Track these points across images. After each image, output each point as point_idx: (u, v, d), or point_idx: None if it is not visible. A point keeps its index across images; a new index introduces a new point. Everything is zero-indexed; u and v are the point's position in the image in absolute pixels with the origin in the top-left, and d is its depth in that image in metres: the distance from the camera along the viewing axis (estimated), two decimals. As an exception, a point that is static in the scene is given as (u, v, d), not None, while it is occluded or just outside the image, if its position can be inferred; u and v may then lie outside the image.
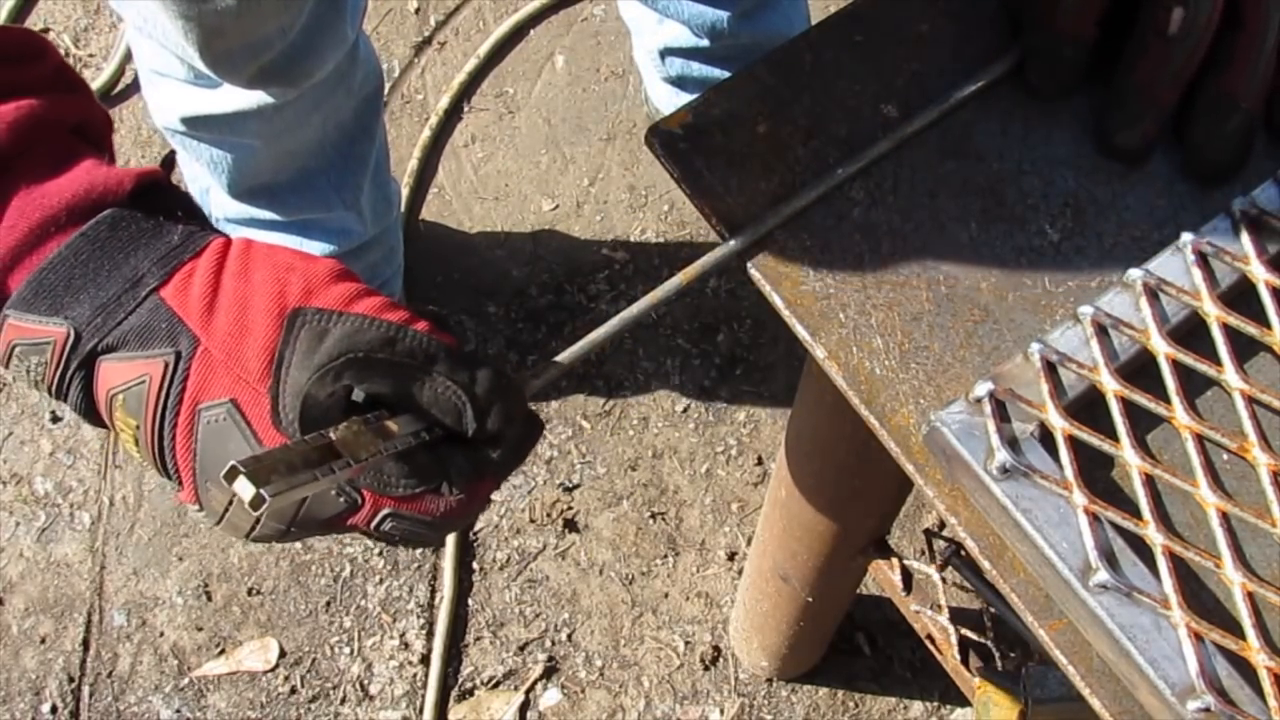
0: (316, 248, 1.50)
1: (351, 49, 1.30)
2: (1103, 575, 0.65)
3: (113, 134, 0.72)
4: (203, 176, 1.43)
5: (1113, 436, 0.70)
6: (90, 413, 0.65)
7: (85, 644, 1.62)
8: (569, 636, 1.64)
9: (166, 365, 0.61)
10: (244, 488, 0.53)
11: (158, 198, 0.66)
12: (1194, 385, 0.73)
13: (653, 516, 1.70)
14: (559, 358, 0.70)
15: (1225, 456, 0.71)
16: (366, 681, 1.61)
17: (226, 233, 1.70)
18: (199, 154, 1.36)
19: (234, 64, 1.16)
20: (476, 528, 1.68)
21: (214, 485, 0.62)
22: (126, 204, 0.64)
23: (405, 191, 1.85)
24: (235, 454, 0.61)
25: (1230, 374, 0.71)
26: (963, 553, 1.21)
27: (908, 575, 1.22)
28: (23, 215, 0.62)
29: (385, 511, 0.61)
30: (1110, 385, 0.70)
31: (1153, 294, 0.73)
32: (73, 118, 0.67)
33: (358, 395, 0.62)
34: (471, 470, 0.62)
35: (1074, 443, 0.69)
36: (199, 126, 1.31)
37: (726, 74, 1.63)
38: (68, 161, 0.64)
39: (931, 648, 1.25)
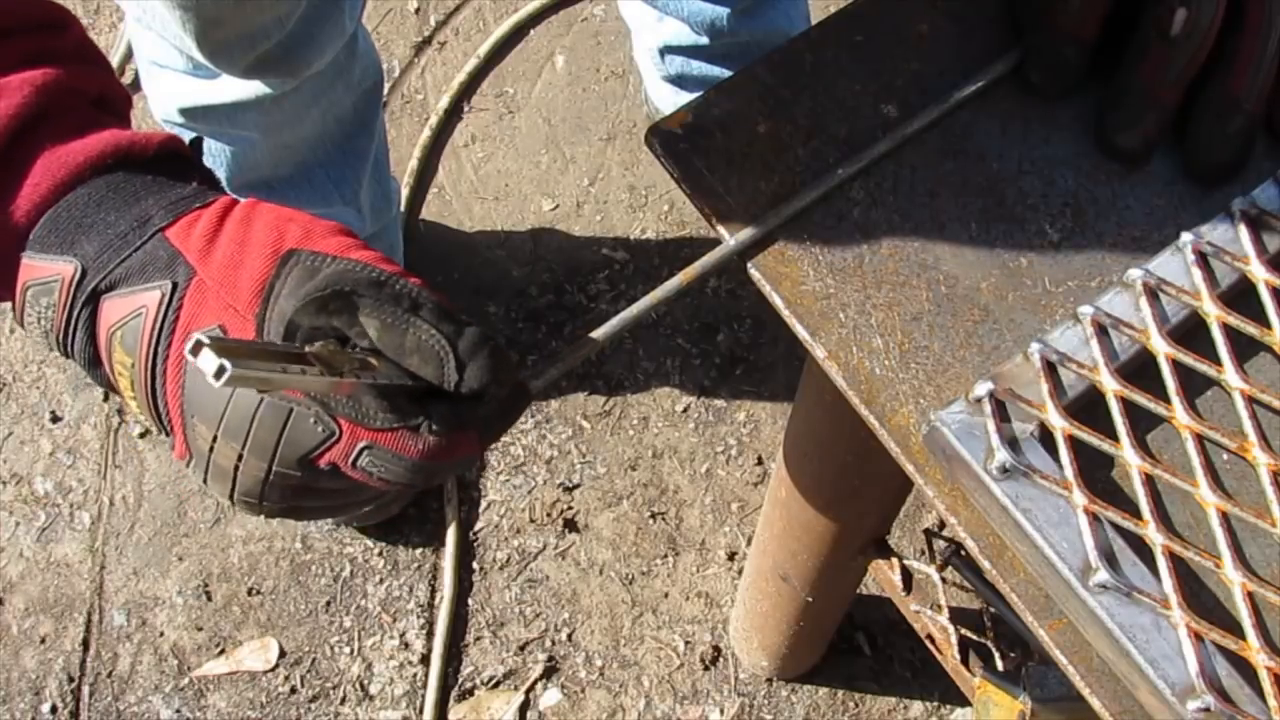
0: (314, 244, 1.49)
1: (350, 42, 1.30)
2: (1103, 575, 0.65)
3: (131, 110, 0.73)
4: (201, 173, 1.43)
5: (1113, 436, 0.70)
6: (94, 362, 0.65)
7: (85, 644, 1.62)
8: (569, 636, 1.64)
9: (162, 295, 0.62)
10: (208, 360, 0.52)
11: (179, 165, 0.67)
12: (1194, 385, 0.73)
13: (653, 516, 1.70)
14: (581, 341, 0.71)
15: (1225, 456, 0.71)
16: (366, 681, 1.61)
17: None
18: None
19: (231, 54, 1.16)
20: (476, 527, 1.68)
21: (200, 421, 0.62)
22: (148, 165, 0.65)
23: (405, 191, 1.85)
24: None
25: (1230, 374, 0.71)
26: (963, 553, 1.21)
27: (908, 575, 1.22)
28: (47, 173, 0.63)
29: (362, 444, 0.61)
30: (1110, 385, 0.70)
31: (1153, 294, 0.73)
32: (94, 89, 0.68)
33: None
34: (451, 416, 0.62)
35: (1074, 443, 0.69)
36: (197, 118, 1.31)
37: (727, 72, 1.62)
38: (91, 127, 0.65)
39: (931, 648, 1.24)
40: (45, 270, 0.63)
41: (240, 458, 0.62)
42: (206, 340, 0.53)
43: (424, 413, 0.61)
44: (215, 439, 0.62)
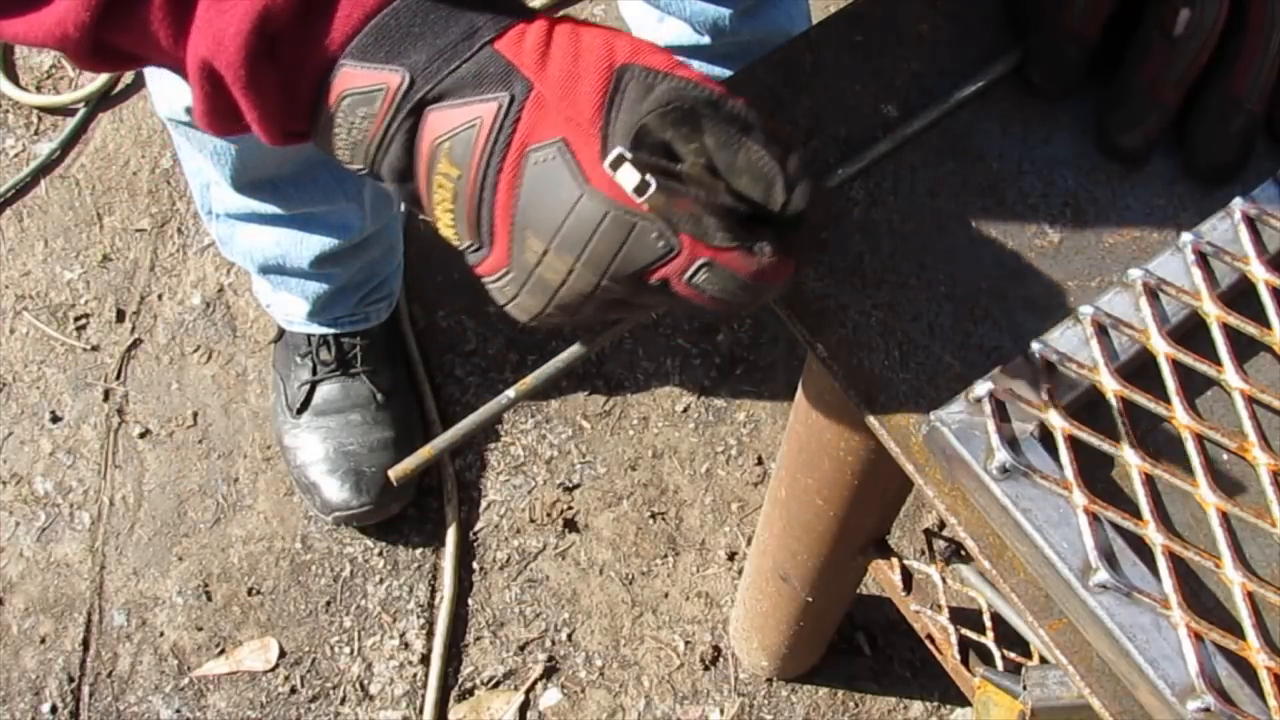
0: (317, 242, 1.49)
1: None
2: (1103, 575, 0.65)
3: None
4: (205, 170, 1.43)
5: (1113, 436, 0.70)
6: (405, 174, 0.65)
7: (85, 644, 1.62)
8: (569, 636, 1.64)
9: (500, 106, 0.62)
10: (628, 175, 0.57)
11: None
12: (1194, 385, 0.73)
13: (653, 516, 1.70)
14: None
15: (1225, 456, 0.72)
16: (366, 681, 1.61)
17: (229, 229, 1.68)
18: (203, 145, 1.36)
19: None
20: (476, 527, 1.68)
21: (533, 233, 0.62)
22: None
23: (405, 191, 1.85)
24: (562, 195, 0.61)
25: (1230, 374, 0.71)
26: (963, 552, 1.21)
27: (908, 575, 1.22)
28: (357, 5, 0.63)
29: (701, 261, 0.61)
30: (1110, 385, 0.70)
31: (1153, 294, 0.73)
32: None
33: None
34: (779, 240, 0.62)
35: (1074, 443, 0.69)
36: None
37: (727, 72, 1.62)
38: None
39: (931, 648, 1.24)
40: (368, 79, 0.63)
41: (571, 271, 0.62)
42: (629, 155, 0.56)
43: (754, 235, 0.61)
44: (546, 252, 0.62)
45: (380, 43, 0.63)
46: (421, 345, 1.75)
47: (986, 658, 1.19)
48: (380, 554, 1.67)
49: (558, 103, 0.62)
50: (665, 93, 0.61)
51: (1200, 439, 0.70)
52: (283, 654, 1.62)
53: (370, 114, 0.63)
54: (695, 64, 1.66)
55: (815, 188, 0.61)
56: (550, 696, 1.61)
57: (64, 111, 1.91)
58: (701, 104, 0.61)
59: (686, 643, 1.64)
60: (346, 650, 1.63)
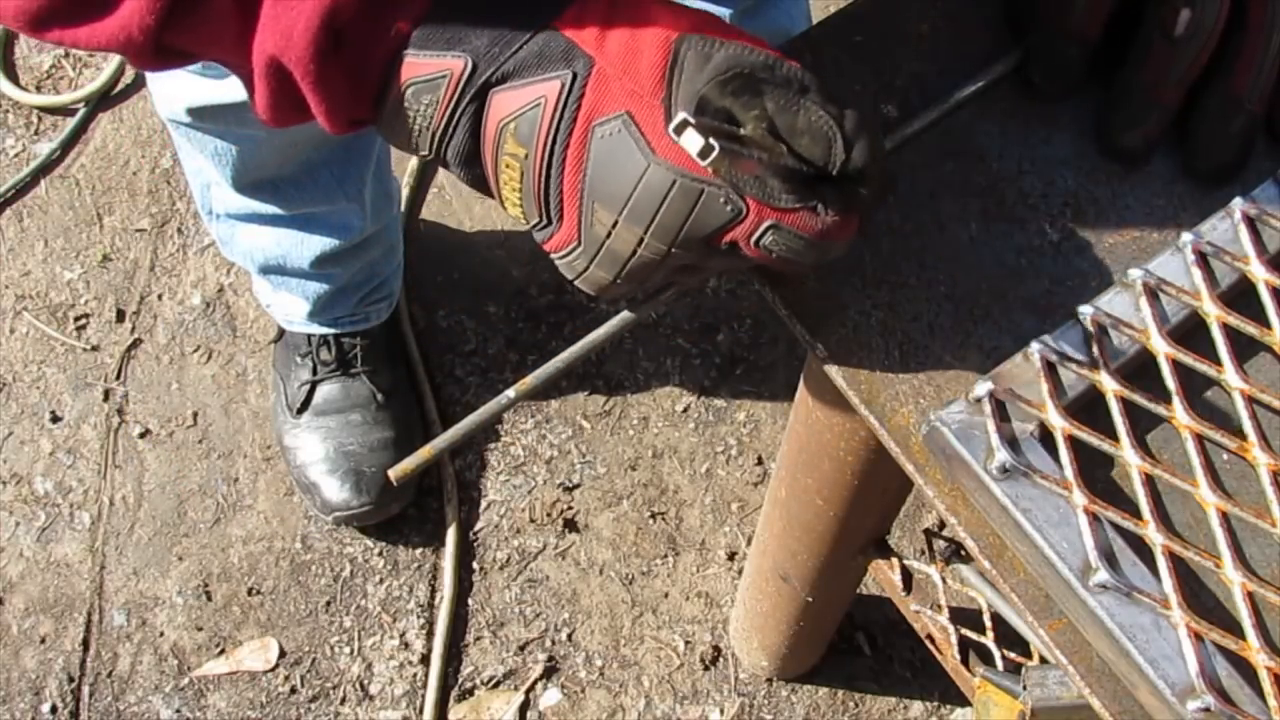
0: (317, 242, 1.50)
1: None
2: (1103, 575, 0.65)
3: None
4: (206, 170, 1.43)
5: (1113, 436, 0.70)
6: (471, 158, 0.66)
7: (85, 644, 1.62)
8: (569, 636, 1.64)
9: (563, 84, 0.63)
10: (693, 139, 0.59)
11: None
12: (1194, 385, 0.73)
13: (653, 516, 1.70)
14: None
15: (1225, 456, 0.71)
16: (366, 681, 1.61)
17: (229, 229, 1.68)
18: (204, 146, 1.36)
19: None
20: (476, 527, 1.68)
21: (602, 206, 0.64)
22: None
23: (405, 191, 1.85)
24: (629, 167, 0.63)
25: (1230, 374, 0.71)
26: (963, 552, 1.21)
27: (908, 575, 1.22)
28: None
29: (768, 223, 0.63)
30: (1110, 385, 0.70)
31: (1153, 294, 0.73)
32: None
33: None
34: (841, 198, 0.63)
35: (1074, 443, 0.69)
36: (205, 117, 1.31)
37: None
38: None
39: (931, 648, 1.24)
40: (432, 66, 0.64)
41: (641, 241, 0.64)
42: (693, 120, 0.59)
43: (818, 195, 0.63)
44: (616, 223, 0.64)
45: (440, 30, 0.64)
46: (421, 345, 1.75)
47: (986, 658, 1.19)
48: (380, 554, 1.67)
49: (620, 77, 0.63)
50: (723, 60, 0.62)
51: (1200, 439, 0.70)
52: (283, 654, 1.62)
53: (435, 100, 0.65)
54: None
55: (873, 144, 0.63)
56: (550, 696, 1.61)
57: (64, 111, 1.91)
58: (759, 69, 0.62)
59: (686, 643, 1.64)
60: (346, 650, 1.63)
